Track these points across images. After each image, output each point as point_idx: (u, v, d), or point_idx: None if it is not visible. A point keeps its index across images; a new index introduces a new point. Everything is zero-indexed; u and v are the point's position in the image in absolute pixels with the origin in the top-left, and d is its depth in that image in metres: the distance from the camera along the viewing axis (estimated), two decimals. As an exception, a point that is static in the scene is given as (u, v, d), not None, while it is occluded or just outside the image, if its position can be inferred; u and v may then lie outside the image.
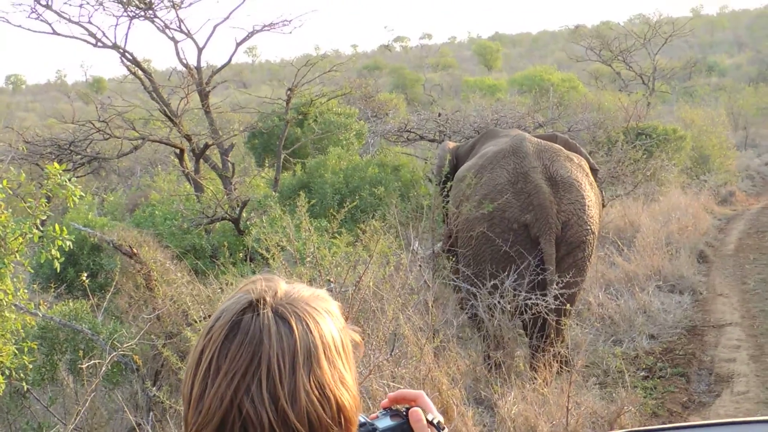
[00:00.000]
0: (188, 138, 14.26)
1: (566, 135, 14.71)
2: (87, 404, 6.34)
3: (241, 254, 11.30)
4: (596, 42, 33.48)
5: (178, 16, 14.77)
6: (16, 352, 5.84)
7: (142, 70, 14.50)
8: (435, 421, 1.59)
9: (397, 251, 8.67)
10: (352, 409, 1.45)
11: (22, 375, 6.24)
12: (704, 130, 24.29)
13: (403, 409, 1.61)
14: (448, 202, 9.43)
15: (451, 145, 10.88)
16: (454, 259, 9.10)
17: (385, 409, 1.62)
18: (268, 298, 1.43)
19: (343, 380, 1.44)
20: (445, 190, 9.64)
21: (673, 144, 21.04)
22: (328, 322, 1.46)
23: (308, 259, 6.76)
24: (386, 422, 1.58)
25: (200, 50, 14.94)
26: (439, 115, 19.18)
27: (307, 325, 1.42)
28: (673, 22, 34.82)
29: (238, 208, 12.07)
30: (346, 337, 1.49)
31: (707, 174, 22.54)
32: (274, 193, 13.52)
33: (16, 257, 5.63)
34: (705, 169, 23.08)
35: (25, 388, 7.00)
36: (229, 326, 1.40)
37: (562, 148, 9.10)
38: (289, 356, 1.38)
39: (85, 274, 7.92)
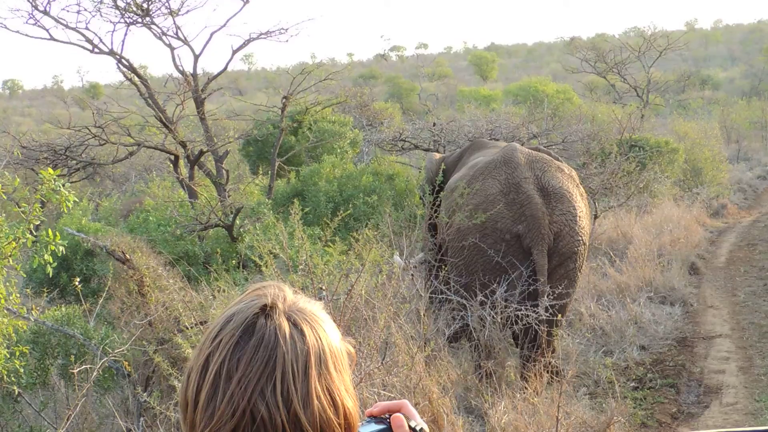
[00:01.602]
0: (183, 144, 14.29)
1: (552, 148, 14.79)
2: (78, 409, 6.35)
3: (234, 261, 11.32)
4: (591, 54, 33.54)
5: (175, 23, 14.84)
6: (8, 355, 5.86)
7: (139, 76, 14.53)
8: (417, 428, 1.61)
9: (390, 260, 8.70)
10: (356, 415, 1.50)
11: (13, 378, 6.26)
12: (697, 143, 24.36)
13: (387, 416, 1.63)
14: (438, 213, 9.45)
15: (438, 156, 10.92)
16: (446, 268, 9.12)
17: (369, 417, 1.65)
18: (279, 304, 1.47)
19: (347, 387, 1.48)
20: (436, 201, 9.66)
21: (666, 156, 21.11)
22: (333, 331, 1.51)
23: (301, 266, 6.78)
24: (370, 428, 1.60)
25: (197, 57, 14.99)
26: (434, 124, 19.21)
27: (317, 332, 1.46)
28: (668, 36, 34.86)
29: (232, 215, 12.10)
30: (344, 348, 1.53)
31: (700, 187, 22.60)
32: (267, 200, 13.55)
33: (9, 262, 5.66)
34: (698, 181, 23.14)
35: (17, 392, 7.01)
36: (242, 329, 1.42)
37: (553, 159, 9.14)
38: (302, 361, 1.41)
39: (78, 279, 7.91)
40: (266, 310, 1.45)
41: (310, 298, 1.55)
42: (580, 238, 8.48)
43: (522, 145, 10.82)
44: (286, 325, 1.43)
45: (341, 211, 8.27)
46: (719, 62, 70.38)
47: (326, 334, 1.48)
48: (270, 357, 1.39)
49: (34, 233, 5.74)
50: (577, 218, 8.48)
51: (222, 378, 1.39)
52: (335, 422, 1.43)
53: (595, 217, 14.32)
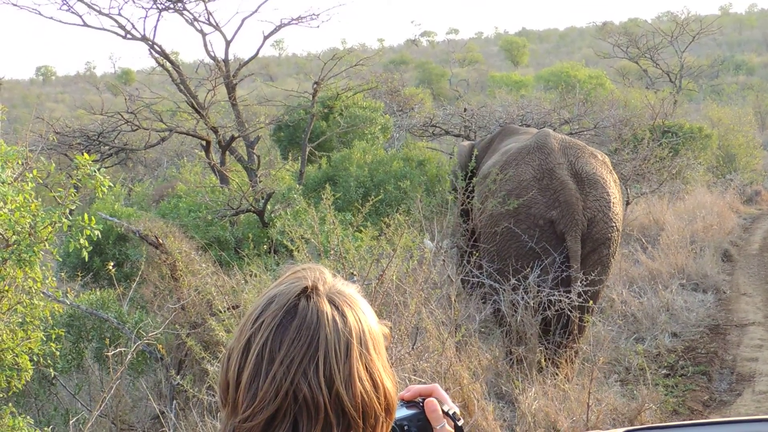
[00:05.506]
0: (215, 130, 14.34)
1: (584, 134, 14.71)
2: (112, 392, 6.41)
3: (265, 246, 11.35)
4: (624, 39, 33.29)
5: (206, 9, 14.84)
6: (44, 338, 5.93)
7: (170, 62, 14.58)
8: (450, 412, 1.63)
9: (421, 245, 8.69)
10: (395, 396, 1.52)
11: (49, 361, 6.33)
12: (731, 128, 24.12)
13: (420, 400, 1.64)
14: (470, 199, 9.43)
15: (467, 143, 10.91)
16: (477, 254, 9.10)
17: (401, 400, 1.66)
18: (320, 287, 1.49)
19: (387, 369, 1.50)
20: (469, 186, 9.63)
21: (699, 142, 20.93)
22: (371, 314, 1.53)
23: (332, 251, 6.80)
24: (402, 412, 1.62)
25: (228, 43, 15.01)
26: (465, 110, 19.17)
27: (357, 315, 1.48)
28: (701, 20, 34.54)
29: (263, 201, 12.14)
30: (380, 330, 1.54)
31: (733, 173, 22.38)
32: (298, 185, 13.58)
33: (45, 246, 5.71)
34: (731, 167, 22.92)
35: (53, 375, 7.11)
36: (284, 311, 1.44)
37: (586, 145, 9.09)
38: (344, 342, 1.43)
39: (111, 264, 7.98)
40: (307, 292, 1.47)
41: (346, 282, 1.56)
42: (613, 224, 8.44)
43: (554, 130, 10.76)
44: (327, 307, 1.45)
45: (372, 197, 8.27)
46: (754, 47, 69.40)
47: (365, 316, 1.50)
48: (313, 338, 1.41)
49: (70, 218, 5.79)
50: (611, 204, 8.43)
51: (264, 359, 1.41)
52: (376, 402, 1.45)
53: (628, 203, 14.24)
